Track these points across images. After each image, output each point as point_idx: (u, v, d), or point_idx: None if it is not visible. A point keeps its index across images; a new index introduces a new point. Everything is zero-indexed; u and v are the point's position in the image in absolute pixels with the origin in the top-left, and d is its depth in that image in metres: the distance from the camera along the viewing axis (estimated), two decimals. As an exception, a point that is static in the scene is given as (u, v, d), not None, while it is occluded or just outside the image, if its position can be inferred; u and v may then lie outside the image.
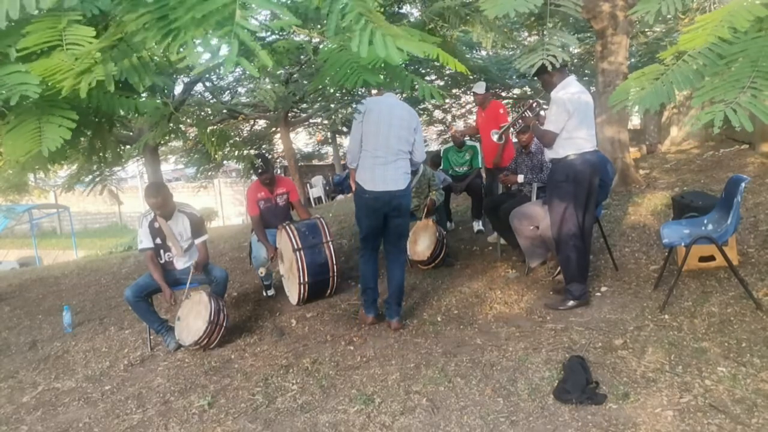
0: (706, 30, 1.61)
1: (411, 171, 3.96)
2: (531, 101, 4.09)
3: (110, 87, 1.66)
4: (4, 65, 1.70)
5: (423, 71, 10.59)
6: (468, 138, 5.96)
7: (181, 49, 1.13)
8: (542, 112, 3.90)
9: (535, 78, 3.98)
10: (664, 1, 2.16)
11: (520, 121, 4.06)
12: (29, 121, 1.84)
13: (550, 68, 2.98)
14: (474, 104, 15.39)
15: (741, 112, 1.53)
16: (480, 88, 5.63)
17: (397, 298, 3.64)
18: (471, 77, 11.39)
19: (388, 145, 3.41)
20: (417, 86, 2.64)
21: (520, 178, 4.50)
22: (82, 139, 3.31)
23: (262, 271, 4.43)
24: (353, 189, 3.62)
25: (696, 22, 1.71)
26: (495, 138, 4.31)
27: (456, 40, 7.95)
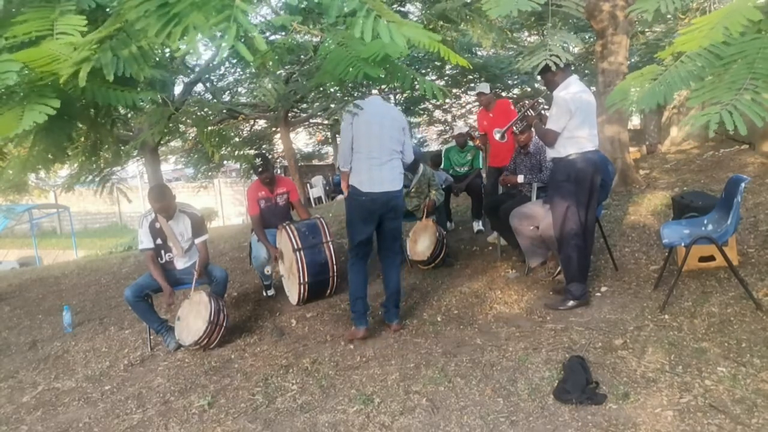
0: (702, 32, 1.60)
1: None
2: (533, 100, 4.08)
3: (109, 77, 1.65)
4: None
5: (423, 71, 10.59)
6: (469, 139, 5.95)
7: (182, 38, 1.12)
8: (544, 112, 3.90)
9: (538, 77, 3.99)
10: (663, 0, 2.16)
11: (522, 120, 4.07)
12: (18, 107, 1.86)
13: (553, 68, 2.99)
14: (475, 105, 15.45)
15: (737, 115, 1.52)
16: (485, 88, 5.55)
17: (395, 301, 3.61)
18: (471, 77, 11.40)
19: (382, 145, 3.39)
20: (418, 84, 2.64)
21: (520, 179, 4.50)
22: (83, 138, 3.30)
23: (268, 269, 4.40)
24: (345, 193, 3.56)
25: (693, 24, 1.71)
26: (497, 137, 4.30)
27: (454, 41, 7.95)
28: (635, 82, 2.10)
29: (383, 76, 2.48)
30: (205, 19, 1.09)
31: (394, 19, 1.31)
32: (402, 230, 3.74)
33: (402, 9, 7.22)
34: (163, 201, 3.76)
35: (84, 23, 1.64)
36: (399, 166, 3.51)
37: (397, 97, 13.44)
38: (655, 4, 2.18)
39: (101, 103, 2.32)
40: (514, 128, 4.26)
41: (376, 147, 3.38)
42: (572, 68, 3.51)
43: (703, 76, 1.82)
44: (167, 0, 1.12)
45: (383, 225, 3.52)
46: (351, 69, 2.18)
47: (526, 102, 4.20)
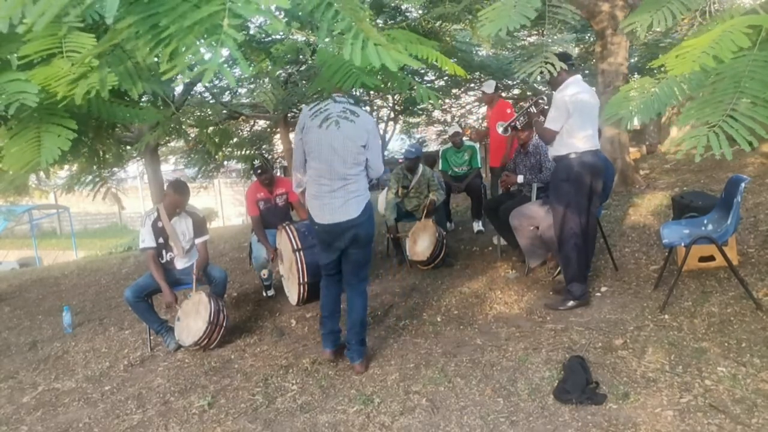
0: (693, 55, 1.59)
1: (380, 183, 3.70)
2: (536, 97, 4.09)
3: (104, 93, 1.65)
4: (4, 72, 1.70)
5: (422, 71, 10.60)
6: (467, 138, 5.95)
7: (172, 59, 1.13)
8: (546, 108, 3.91)
9: (538, 77, 4.02)
10: (656, 15, 2.17)
11: (524, 115, 4.09)
12: (29, 128, 1.83)
13: (554, 73, 2.99)
14: (474, 105, 15.44)
15: (723, 138, 1.51)
16: (489, 87, 5.51)
17: (358, 335, 3.10)
18: (471, 77, 11.40)
19: (331, 170, 2.89)
20: (414, 89, 2.63)
21: (520, 179, 4.50)
22: (81, 145, 3.30)
23: (264, 273, 4.42)
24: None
25: (684, 46, 1.70)
26: (500, 130, 4.30)
27: (454, 40, 7.95)
28: (628, 95, 2.10)
29: (381, 84, 2.47)
30: (195, 40, 1.09)
31: (381, 42, 1.31)
32: (372, 254, 3.25)
33: (401, 6, 7.20)
34: (184, 195, 3.82)
35: (93, 42, 1.63)
36: (357, 189, 2.94)
37: (395, 97, 13.44)
38: (648, 20, 2.19)
39: (105, 119, 2.32)
40: (517, 123, 4.27)
41: (326, 172, 2.90)
42: (575, 67, 3.51)
43: (693, 93, 1.82)
44: (158, 22, 1.12)
45: (345, 253, 3.06)
46: (348, 78, 2.18)
47: (530, 99, 4.21)
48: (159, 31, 1.12)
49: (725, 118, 1.52)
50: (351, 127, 2.83)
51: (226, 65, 1.13)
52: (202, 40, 1.09)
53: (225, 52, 1.11)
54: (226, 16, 1.06)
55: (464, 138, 5.90)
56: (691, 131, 1.61)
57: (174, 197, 3.80)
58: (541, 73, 2.72)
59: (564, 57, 3.33)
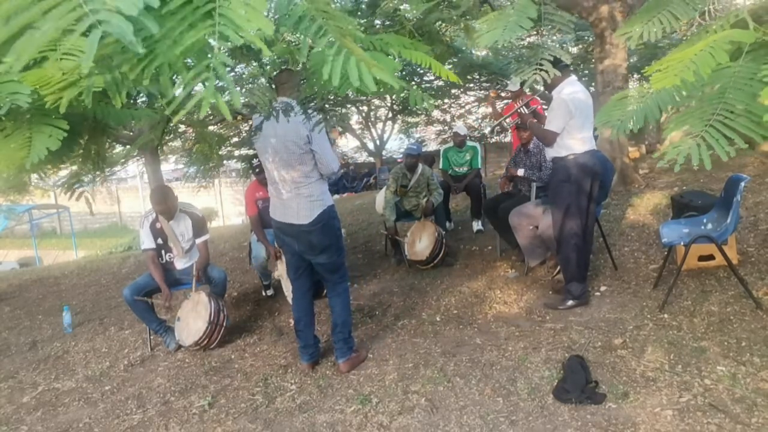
0: (674, 70, 1.61)
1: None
2: (528, 97, 4.07)
3: (87, 101, 1.64)
4: None
5: (421, 71, 10.59)
6: (469, 138, 5.96)
7: (156, 76, 1.12)
8: (544, 108, 3.89)
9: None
10: (647, 26, 2.19)
11: (516, 116, 4.07)
12: (22, 129, 1.82)
13: (549, 78, 2.98)
14: (474, 105, 15.43)
15: (704, 149, 1.52)
16: (514, 85, 5.48)
17: (341, 335, 3.07)
18: (470, 77, 11.40)
19: (280, 175, 2.88)
20: (408, 92, 2.62)
21: (520, 172, 4.51)
22: (76, 145, 3.29)
23: (276, 274, 4.41)
24: None
25: (667, 59, 1.71)
26: (487, 131, 4.30)
27: (454, 41, 7.94)
28: (620, 103, 2.10)
29: (374, 89, 2.44)
30: (181, 59, 1.07)
31: (365, 59, 1.29)
32: (344, 257, 3.12)
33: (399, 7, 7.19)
34: (164, 203, 3.74)
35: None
36: (310, 194, 2.86)
37: (393, 96, 13.43)
38: (639, 30, 2.21)
39: (101, 119, 2.32)
40: (504, 123, 4.27)
41: (276, 177, 2.91)
42: (571, 68, 3.50)
43: (683, 101, 1.84)
44: (152, 49, 1.11)
45: (312, 259, 3.03)
46: (339, 83, 2.16)
47: (521, 99, 4.19)
48: (151, 60, 1.11)
49: (707, 128, 1.53)
50: (287, 127, 2.75)
51: (221, 93, 1.09)
52: (193, 65, 1.08)
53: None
54: (216, 38, 1.03)
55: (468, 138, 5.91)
56: (676, 140, 1.63)
57: (158, 207, 3.73)
58: (535, 81, 2.73)
59: (557, 63, 3.35)
